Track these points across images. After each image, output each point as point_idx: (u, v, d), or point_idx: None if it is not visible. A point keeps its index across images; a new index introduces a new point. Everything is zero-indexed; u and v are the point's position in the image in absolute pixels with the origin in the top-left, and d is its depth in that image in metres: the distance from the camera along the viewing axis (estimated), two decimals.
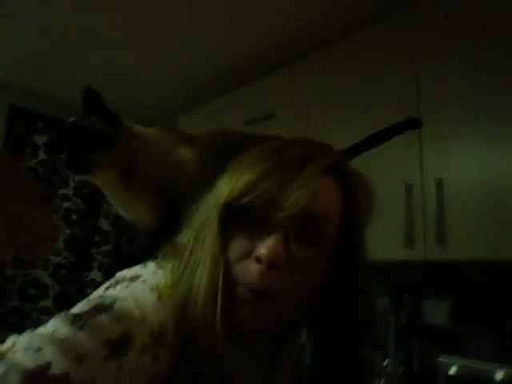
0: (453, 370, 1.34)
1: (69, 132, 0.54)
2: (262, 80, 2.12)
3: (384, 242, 1.23)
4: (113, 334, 0.39)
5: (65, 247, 2.56)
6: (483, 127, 1.31)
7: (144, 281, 0.46)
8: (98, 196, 2.73)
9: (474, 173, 1.31)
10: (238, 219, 0.47)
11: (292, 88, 1.95)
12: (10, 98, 2.46)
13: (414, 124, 0.82)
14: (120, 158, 0.55)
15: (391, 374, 1.47)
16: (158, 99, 2.68)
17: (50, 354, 0.36)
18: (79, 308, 0.42)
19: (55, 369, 0.35)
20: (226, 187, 0.48)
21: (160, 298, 0.45)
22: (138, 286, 0.45)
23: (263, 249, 0.44)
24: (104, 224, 2.74)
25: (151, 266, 0.50)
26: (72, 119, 0.55)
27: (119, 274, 0.50)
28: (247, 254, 0.46)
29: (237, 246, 0.46)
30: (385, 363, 1.47)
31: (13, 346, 0.37)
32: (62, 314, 0.41)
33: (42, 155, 2.50)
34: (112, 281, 0.48)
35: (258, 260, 0.44)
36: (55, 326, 0.39)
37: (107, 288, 0.47)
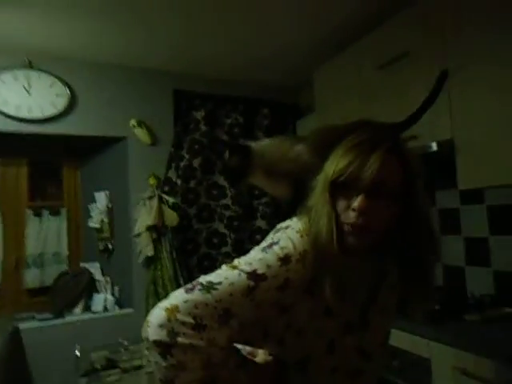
0: None
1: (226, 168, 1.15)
2: (393, 20, 2.07)
3: None
4: (281, 255, 0.77)
5: (232, 202, 3.01)
6: None
7: (292, 228, 0.83)
8: None
9: None
10: (339, 189, 0.79)
11: (425, 25, 1.88)
12: (173, 84, 2.93)
13: (445, 76, 1.18)
14: (257, 167, 1.03)
15: None
16: (290, 61, 2.83)
17: (256, 265, 0.75)
18: (264, 244, 0.81)
19: (259, 271, 0.75)
20: (329, 170, 0.81)
21: (302, 236, 0.80)
22: (290, 231, 0.82)
23: (355, 203, 0.77)
24: None
25: (295, 219, 0.86)
26: (225, 160, 1.11)
27: (278, 225, 0.87)
28: (347, 208, 0.79)
29: (341, 204, 0.80)
30: None
31: (239, 263, 0.77)
32: (257, 248, 0.80)
33: (202, 128, 2.94)
34: (275, 230, 0.86)
35: (353, 210, 0.77)
36: (255, 253, 0.79)
37: (274, 233, 0.85)
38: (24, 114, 2.44)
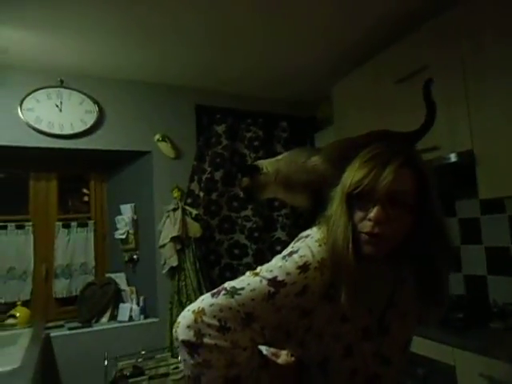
0: None
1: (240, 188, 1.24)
2: (412, 35, 2.14)
3: None
4: (300, 263, 0.81)
5: (252, 214, 3.08)
6: None
7: (312, 237, 0.87)
8: None
9: None
10: (355, 200, 0.84)
11: (444, 38, 1.94)
12: (195, 99, 3.04)
13: (428, 84, 1.22)
14: (270, 183, 1.11)
15: None
16: (309, 78, 2.92)
17: (276, 272, 0.80)
18: (284, 253, 0.85)
19: (279, 278, 0.79)
20: (346, 182, 0.85)
21: (320, 245, 0.84)
22: (309, 240, 0.86)
23: (372, 214, 0.81)
24: None
25: (315, 228, 0.90)
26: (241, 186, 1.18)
27: (300, 235, 0.91)
28: (363, 218, 0.83)
29: (357, 215, 0.84)
30: None
31: (261, 269, 0.82)
32: (278, 256, 0.85)
33: (224, 141, 3.03)
34: (296, 239, 0.90)
35: (370, 220, 0.82)
36: (276, 261, 0.84)
37: (295, 242, 0.89)
38: (56, 130, 2.57)
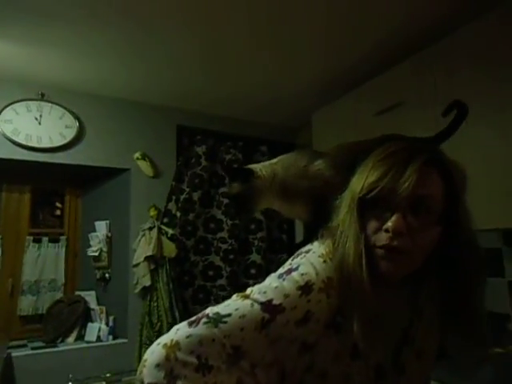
0: None
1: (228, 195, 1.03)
2: (390, 71, 2.25)
3: None
4: (301, 283, 0.66)
5: (229, 236, 3.08)
6: None
7: (314, 252, 0.72)
8: None
9: None
10: (368, 207, 0.69)
11: (419, 76, 2.05)
12: (176, 119, 3.07)
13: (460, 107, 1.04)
14: (266, 190, 0.90)
15: None
16: (290, 105, 3.00)
17: (271, 294, 0.65)
18: (280, 271, 0.71)
19: (275, 301, 0.64)
20: (357, 187, 0.70)
21: (325, 261, 0.70)
22: (311, 255, 0.72)
23: (390, 223, 0.66)
24: (257, 214, 3.19)
25: (316, 243, 0.76)
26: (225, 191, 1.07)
27: (299, 251, 0.76)
28: (378, 229, 0.68)
29: (371, 225, 0.69)
30: None
31: (251, 291, 0.67)
32: (272, 275, 0.70)
33: (203, 162, 3.05)
34: (295, 255, 0.76)
35: (387, 231, 0.66)
36: (270, 280, 0.68)
37: (293, 259, 0.74)
38: (33, 143, 2.53)
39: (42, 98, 2.60)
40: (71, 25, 1.98)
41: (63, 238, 2.96)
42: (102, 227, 2.89)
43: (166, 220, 2.87)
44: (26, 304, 2.75)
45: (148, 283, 2.65)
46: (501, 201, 1.68)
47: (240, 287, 3.33)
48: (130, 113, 2.90)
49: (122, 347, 2.64)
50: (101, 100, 2.80)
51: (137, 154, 2.83)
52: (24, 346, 2.53)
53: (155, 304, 2.67)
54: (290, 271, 0.69)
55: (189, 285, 2.92)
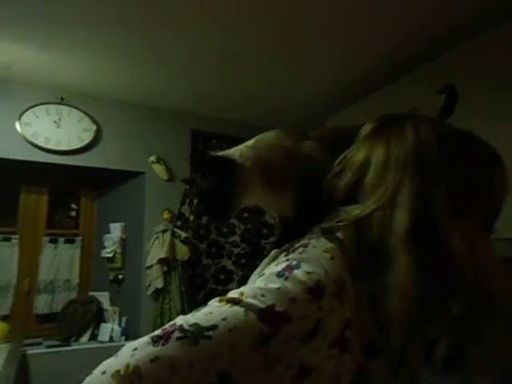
0: None
1: (200, 195, 0.70)
2: (404, 79, 2.25)
3: None
4: (310, 283, 0.49)
5: (241, 240, 3.10)
6: None
7: (314, 246, 0.55)
8: None
9: None
10: None
11: (434, 83, 2.04)
12: (191, 124, 3.10)
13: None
14: (250, 181, 0.68)
15: None
16: (305, 111, 3.02)
17: (272, 298, 0.47)
18: (276, 269, 0.52)
19: (278, 308, 0.46)
20: None
21: (332, 257, 0.53)
22: (313, 250, 0.55)
23: None
24: (270, 218, 3.20)
25: (313, 239, 0.58)
26: (196, 183, 0.70)
27: (285, 246, 0.62)
28: None
29: None
30: None
31: (242, 294, 0.48)
32: (267, 273, 0.52)
33: None
34: (287, 249, 0.59)
35: None
36: (266, 281, 0.50)
37: (287, 254, 0.56)
38: (52, 145, 2.60)
39: (62, 101, 2.66)
40: (93, 30, 2.03)
41: (78, 239, 3.02)
42: (116, 229, 2.93)
43: (179, 223, 2.90)
44: (42, 303, 2.81)
45: (160, 285, 2.68)
46: None
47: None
48: (146, 117, 2.95)
49: None
50: (118, 104, 2.86)
51: (152, 158, 2.88)
52: (39, 344, 2.58)
53: (167, 306, 2.70)
54: (290, 268, 0.51)
55: (200, 288, 2.94)
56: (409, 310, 0.51)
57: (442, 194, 0.54)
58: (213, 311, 0.47)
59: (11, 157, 2.50)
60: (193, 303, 2.82)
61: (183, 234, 2.84)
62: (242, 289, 0.50)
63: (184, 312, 2.69)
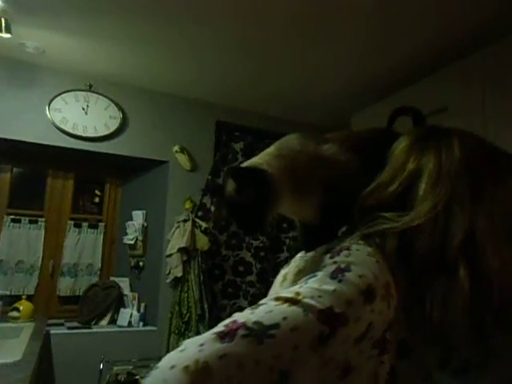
0: None
1: (235, 209, 0.67)
2: (434, 75, 2.19)
3: None
4: (362, 287, 0.50)
5: (260, 233, 3.10)
6: None
7: (358, 250, 0.56)
8: None
9: None
10: None
11: (466, 82, 1.98)
12: (215, 115, 3.11)
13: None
14: (282, 190, 0.66)
15: None
16: (331, 106, 2.99)
17: (330, 300, 0.48)
18: (326, 270, 0.53)
19: (337, 309, 0.48)
20: None
21: (377, 261, 0.55)
22: (358, 253, 0.55)
23: None
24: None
25: (348, 241, 0.59)
26: (232, 197, 0.66)
27: (327, 247, 0.61)
28: None
29: None
30: None
31: (298, 294, 0.49)
32: (319, 274, 0.53)
33: (240, 159, 3.09)
34: (330, 251, 0.58)
35: None
36: (320, 282, 0.51)
37: (331, 256, 0.56)
38: (79, 132, 2.65)
39: (90, 88, 2.71)
40: (125, 19, 2.06)
41: (101, 224, 3.08)
42: (138, 217, 2.98)
43: (200, 213, 2.92)
44: (65, 285, 2.88)
45: (180, 274, 2.72)
46: None
47: (269, 285, 3.35)
48: (172, 106, 2.97)
49: (151, 334, 2.72)
50: (144, 93, 2.89)
51: (176, 147, 2.90)
52: (61, 324, 2.66)
53: (185, 295, 2.73)
54: (341, 270, 0.52)
55: (219, 278, 2.97)
56: (468, 309, 0.53)
57: (488, 214, 0.56)
58: (272, 310, 0.47)
59: (40, 141, 2.57)
60: (210, 293, 2.85)
61: (204, 225, 2.86)
62: (297, 289, 0.51)
63: (201, 301, 2.72)
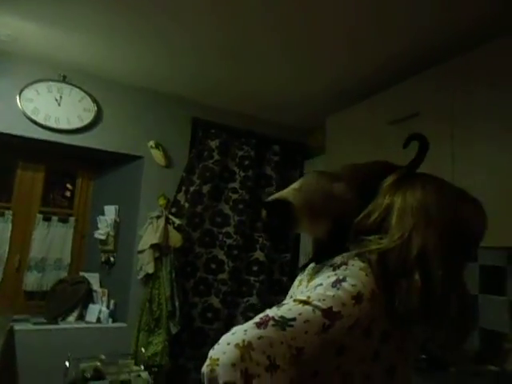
0: None
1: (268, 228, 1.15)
2: (407, 81, 2.25)
3: None
4: (354, 293, 0.73)
5: (235, 231, 3.11)
6: None
7: (353, 265, 0.80)
8: (258, 189, 3.25)
9: None
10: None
11: (437, 88, 2.05)
12: (191, 112, 3.10)
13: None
14: (300, 217, 0.95)
15: None
16: (307, 107, 3.02)
17: (330, 302, 0.71)
18: (329, 280, 0.76)
19: (335, 308, 0.70)
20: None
21: (367, 274, 0.78)
22: (353, 268, 0.79)
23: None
24: (264, 213, 3.20)
25: (347, 258, 0.82)
26: (265, 221, 1.02)
27: (332, 262, 0.85)
28: None
29: None
30: None
31: (309, 297, 0.72)
32: (324, 284, 0.76)
33: (216, 156, 3.08)
34: (333, 266, 0.83)
35: None
36: (324, 289, 0.74)
37: (334, 269, 0.81)
38: (51, 123, 2.58)
39: (64, 79, 2.65)
40: (99, 10, 2.02)
41: (72, 218, 3.02)
42: (110, 211, 2.93)
43: (174, 210, 2.90)
44: (31, 280, 2.81)
45: (151, 270, 2.69)
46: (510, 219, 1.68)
47: (241, 283, 3.38)
48: (148, 101, 2.94)
49: (120, 331, 2.68)
50: (120, 86, 2.84)
51: (151, 143, 2.87)
52: (26, 320, 2.59)
53: (156, 291, 2.71)
54: (339, 281, 0.76)
55: (191, 276, 2.95)
56: (420, 302, 0.76)
57: (435, 235, 0.79)
58: (291, 308, 0.70)
59: (10, 131, 2.49)
60: (182, 290, 2.84)
61: (177, 221, 2.84)
62: (308, 294, 0.73)
63: (173, 298, 2.70)
